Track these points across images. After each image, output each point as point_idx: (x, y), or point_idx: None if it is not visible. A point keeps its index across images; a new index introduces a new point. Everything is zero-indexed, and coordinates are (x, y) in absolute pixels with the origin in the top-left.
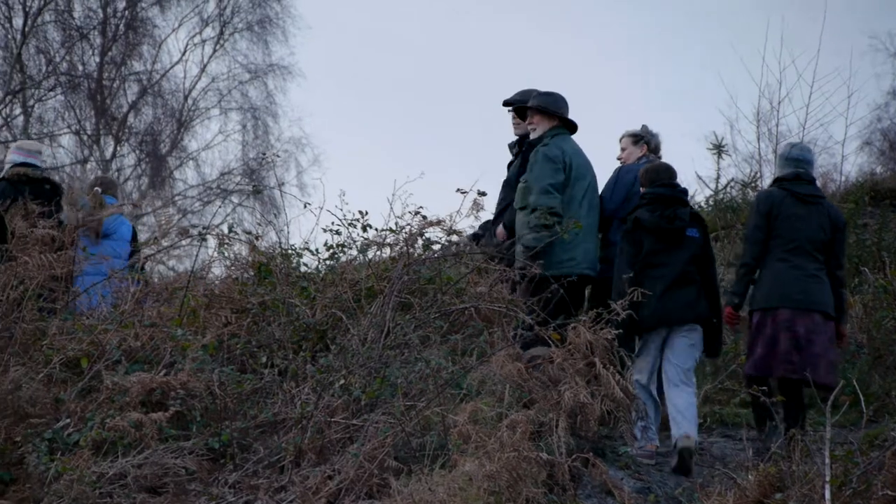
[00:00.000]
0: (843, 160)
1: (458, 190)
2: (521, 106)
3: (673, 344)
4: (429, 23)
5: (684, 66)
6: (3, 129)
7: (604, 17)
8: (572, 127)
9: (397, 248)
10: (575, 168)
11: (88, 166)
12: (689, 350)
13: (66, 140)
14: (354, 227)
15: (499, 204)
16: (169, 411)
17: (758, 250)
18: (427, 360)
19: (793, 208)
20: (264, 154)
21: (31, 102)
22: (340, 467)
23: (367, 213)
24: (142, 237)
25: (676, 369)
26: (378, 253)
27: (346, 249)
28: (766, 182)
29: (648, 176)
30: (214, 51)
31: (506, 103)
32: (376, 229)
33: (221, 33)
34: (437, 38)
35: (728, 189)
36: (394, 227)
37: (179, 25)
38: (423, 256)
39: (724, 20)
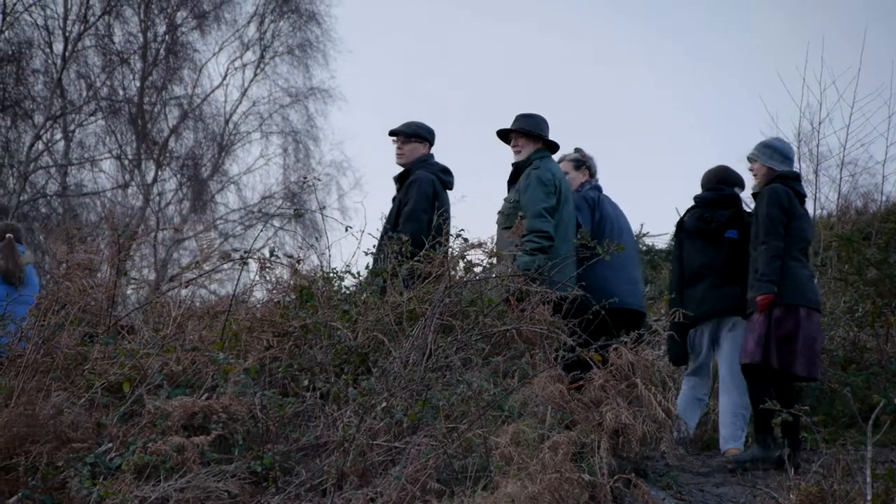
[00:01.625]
0: (884, 180)
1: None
2: (504, 129)
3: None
4: (470, 45)
5: (725, 86)
6: (45, 154)
7: (644, 40)
8: (554, 148)
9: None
10: (563, 191)
11: (130, 191)
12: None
13: (107, 165)
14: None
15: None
16: (211, 435)
17: (782, 238)
18: (469, 382)
19: (800, 208)
20: (305, 178)
21: (71, 127)
22: (383, 490)
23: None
24: (183, 261)
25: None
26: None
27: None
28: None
29: (702, 180)
30: (255, 75)
31: (391, 133)
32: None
33: (262, 57)
34: (479, 61)
35: None
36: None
37: (220, 49)
38: (465, 279)
39: (765, 42)
